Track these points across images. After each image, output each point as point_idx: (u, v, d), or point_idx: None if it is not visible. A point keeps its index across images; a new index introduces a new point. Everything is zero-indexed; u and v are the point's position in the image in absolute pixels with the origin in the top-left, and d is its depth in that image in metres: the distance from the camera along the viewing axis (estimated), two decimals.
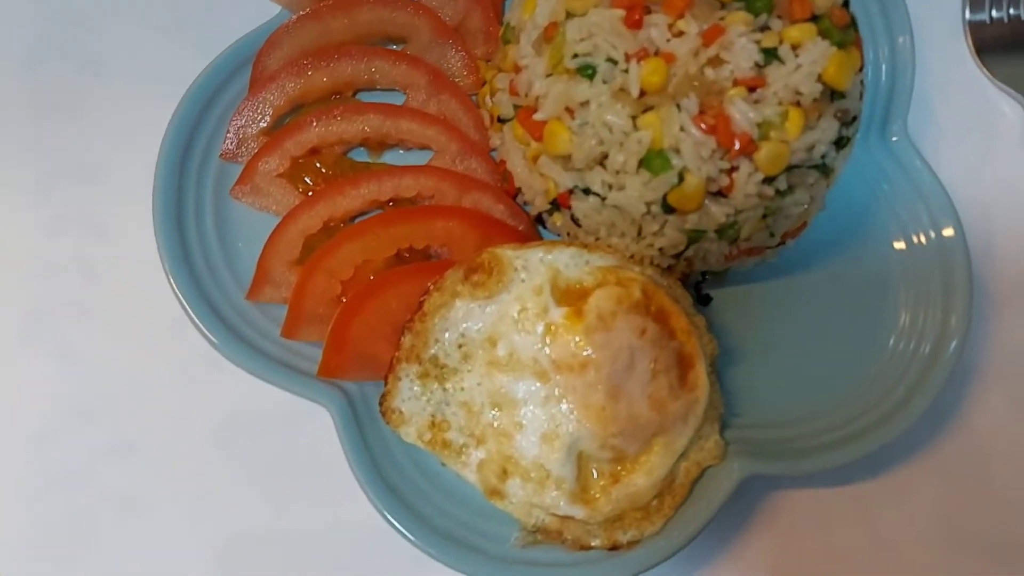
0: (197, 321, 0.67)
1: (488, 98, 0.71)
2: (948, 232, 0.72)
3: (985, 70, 0.81)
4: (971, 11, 0.81)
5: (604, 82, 0.61)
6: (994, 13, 0.81)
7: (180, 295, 0.67)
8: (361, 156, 0.73)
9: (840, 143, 0.65)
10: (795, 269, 0.74)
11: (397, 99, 0.73)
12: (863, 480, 0.74)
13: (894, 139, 0.74)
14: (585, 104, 0.61)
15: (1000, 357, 0.76)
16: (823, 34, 0.62)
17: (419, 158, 0.73)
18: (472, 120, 0.72)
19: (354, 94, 0.73)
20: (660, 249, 0.66)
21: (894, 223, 0.74)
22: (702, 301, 0.73)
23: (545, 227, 0.72)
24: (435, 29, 0.72)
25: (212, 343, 0.67)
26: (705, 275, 0.72)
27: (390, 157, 0.73)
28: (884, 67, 0.76)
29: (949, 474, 0.74)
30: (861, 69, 0.66)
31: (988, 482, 0.74)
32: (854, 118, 0.65)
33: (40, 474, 0.72)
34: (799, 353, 0.72)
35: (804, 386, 0.71)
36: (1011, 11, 0.81)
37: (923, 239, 0.73)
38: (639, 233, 0.65)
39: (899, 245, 0.73)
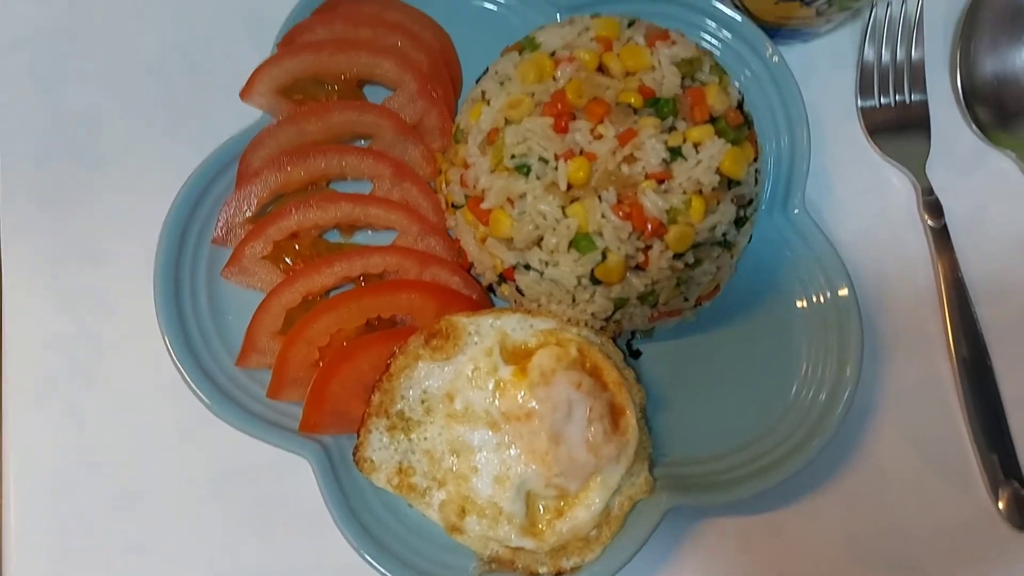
0: (192, 385, 0.76)
1: (444, 186, 0.82)
2: (843, 292, 0.83)
3: (876, 148, 0.93)
4: (862, 98, 0.94)
5: (538, 178, 0.72)
6: (882, 99, 0.93)
7: (177, 363, 0.77)
8: (335, 237, 0.84)
9: (739, 222, 0.77)
10: (713, 326, 0.85)
11: (365, 187, 0.84)
12: (778, 507, 0.84)
13: (795, 212, 0.86)
14: (523, 196, 0.73)
15: (894, 394, 0.87)
16: (720, 133, 0.74)
17: (385, 238, 0.83)
18: (431, 204, 0.83)
19: (328, 184, 0.84)
20: (592, 314, 0.77)
21: (797, 285, 0.85)
22: (633, 355, 0.84)
23: (496, 295, 0.83)
24: (397, 128, 0.84)
25: (206, 404, 0.76)
26: (634, 333, 0.83)
27: (360, 237, 0.84)
28: (785, 152, 0.88)
29: (852, 499, 0.85)
30: (756, 159, 0.78)
31: (886, 505, 0.85)
32: (750, 201, 0.77)
33: (56, 523, 0.80)
34: (717, 399, 0.82)
35: (722, 427, 0.81)
36: (896, 97, 0.93)
37: (821, 299, 0.83)
38: (573, 301, 0.76)
39: (801, 304, 0.84)
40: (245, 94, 0.83)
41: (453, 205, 0.80)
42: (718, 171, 0.73)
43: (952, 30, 0.96)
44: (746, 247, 0.84)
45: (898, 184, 0.93)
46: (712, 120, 0.74)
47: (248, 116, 0.84)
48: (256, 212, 0.81)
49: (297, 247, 0.81)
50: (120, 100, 0.90)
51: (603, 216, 0.71)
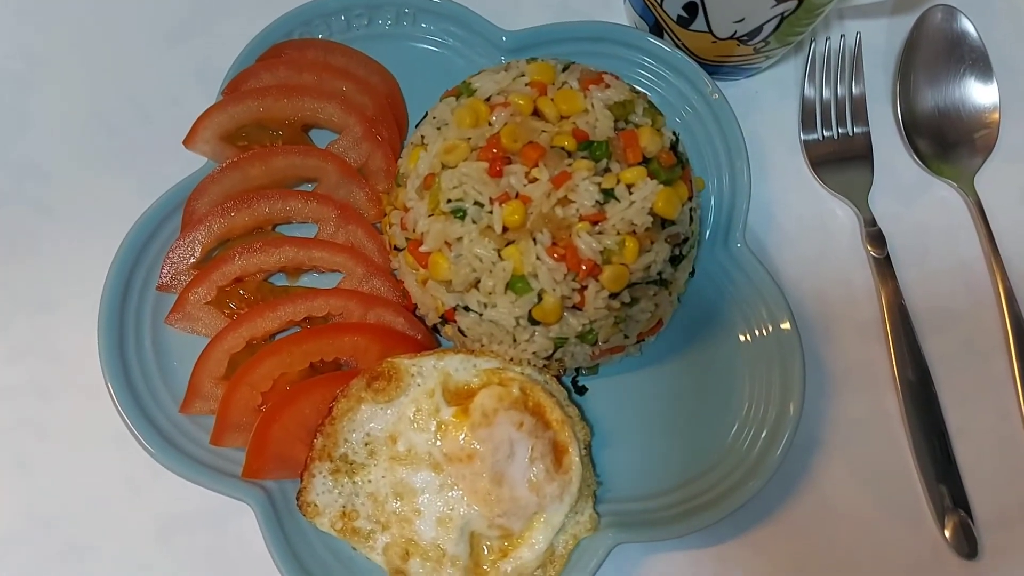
0: (136, 433, 0.77)
1: (388, 227, 0.83)
2: (785, 326, 0.83)
3: (820, 180, 0.94)
4: (805, 132, 0.95)
5: (473, 222, 0.73)
6: (824, 133, 0.95)
7: (121, 411, 0.77)
8: (281, 281, 0.84)
9: (675, 260, 0.78)
10: (658, 361, 0.86)
11: (312, 230, 0.85)
12: (728, 539, 0.84)
13: (737, 246, 0.87)
14: (459, 240, 0.74)
15: (841, 427, 0.88)
16: (652, 174, 0.75)
17: (331, 280, 0.84)
18: (376, 246, 0.84)
19: (274, 228, 0.85)
20: (533, 353, 0.78)
21: (739, 319, 0.85)
22: (578, 391, 0.85)
23: (440, 335, 0.84)
24: (342, 171, 0.85)
25: (150, 453, 0.76)
26: (579, 369, 0.84)
27: (306, 280, 0.85)
28: (726, 187, 0.89)
29: (802, 531, 0.85)
30: (691, 198, 0.79)
31: (835, 538, 0.85)
32: (686, 239, 0.78)
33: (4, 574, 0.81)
34: (662, 434, 0.83)
35: (667, 463, 0.82)
36: (839, 130, 0.95)
37: (764, 333, 0.84)
38: (514, 341, 0.77)
39: (744, 338, 0.85)
40: (189, 141, 0.84)
41: (395, 247, 0.81)
42: (651, 211, 0.74)
43: (893, 61, 0.98)
44: (688, 282, 0.85)
45: (842, 215, 0.94)
46: (645, 161, 0.76)
47: (197, 162, 0.85)
48: (201, 258, 0.82)
49: (242, 292, 0.81)
50: (70, 148, 0.91)
51: (538, 258, 0.72)
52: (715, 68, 0.94)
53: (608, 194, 0.73)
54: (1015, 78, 0.98)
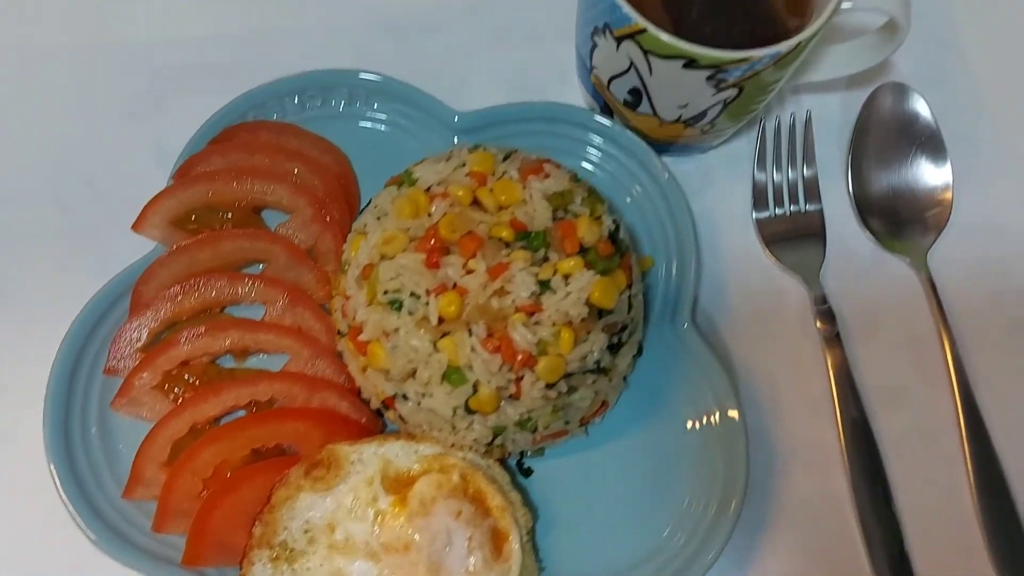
0: (78, 519, 0.77)
1: (334, 310, 0.84)
2: (732, 413, 0.83)
3: (772, 256, 0.95)
4: (757, 210, 0.95)
5: (409, 313, 0.74)
6: (777, 210, 0.95)
7: (64, 496, 0.77)
8: (229, 362, 0.85)
9: (614, 348, 0.78)
10: (605, 441, 0.85)
11: (260, 310, 0.86)
12: None
13: (684, 326, 0.87)
14: (396, 331, 0.74)
15: (788, 508, 0.87)
16: (589, 264, 0.75)
17: (279, 360, 0.85)
18: (323, 327, 0.85)
19: (222, 309, 0.86)
20: (474, 439, 0.78)
21: (687, 402, 0.85)
22: (524, 474, 0.85)
23: (385, 418, 0.84)
24: (290, 253, 0.86)
25: (91, 539, 0.77)
26: (524, 452, 0.84)
27: (254, 361, 0.85)
28: (675, 267, 0.89)
29: None
30: (630, 285, 0.79)
31: None
32: (624, 327, 0.79)
33: None
34: (607, 517, 0.82)
35: (611, 547, 0.81)
36: (791, 207, 0.95)
37: (710, 419, 0.84)
38: (453, 428, 0.77)
39: (690, 423, 0.85)
40: (137, 227, 0.85)
41: (339, 332, 0.82)
42: (587, 302, 0.74)
43: (847, 135, 0.99)
44: (635, 361, 0.86)
45: (794, 292, 0.94)
46: (583, 251, 0.76)
47: (150, 242, 0.86)
48: (148, 341, 0.83)
49: (187, 375, 0.82)
50: (22, 227, 0.92)
51: (473, 350, 0.73)
52: (666, 146, 0.95)
53: (544, 285, 0.74)
54: (969, 154, 0.98)
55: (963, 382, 0.90)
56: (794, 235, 0.95)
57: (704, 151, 0.98)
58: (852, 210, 0.96)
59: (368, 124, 0.94)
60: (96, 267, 0.86)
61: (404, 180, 0.80)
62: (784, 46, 0.77)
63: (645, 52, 0.79)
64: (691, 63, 0.77)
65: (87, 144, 0.95)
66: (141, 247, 0.86)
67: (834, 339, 0.91)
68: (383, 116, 0.94)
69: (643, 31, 0.76)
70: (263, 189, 0.87)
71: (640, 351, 0.86)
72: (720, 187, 0.98)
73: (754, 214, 0.95)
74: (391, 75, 0.96)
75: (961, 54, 1.04)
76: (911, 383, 0.92)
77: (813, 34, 0.78)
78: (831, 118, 1.01)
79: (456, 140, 0.93)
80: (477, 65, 1.01)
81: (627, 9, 0.76)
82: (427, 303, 0.73)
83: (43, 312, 0.88)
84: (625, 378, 0.85)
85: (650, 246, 0.92)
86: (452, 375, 0.73)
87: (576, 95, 0.99)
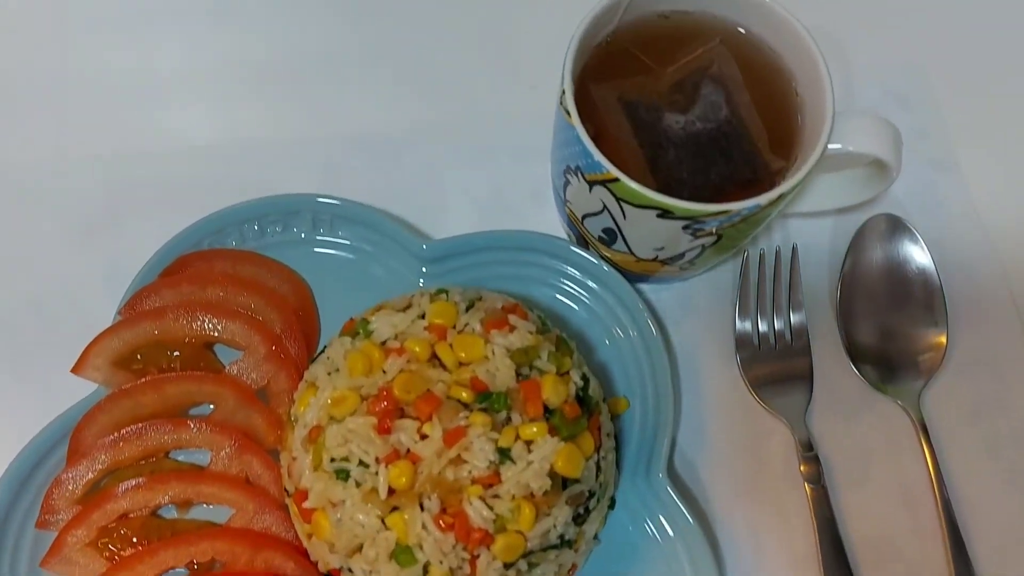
0: None
1: (283, 464, 0.79)
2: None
3: (755, 395, 0.89)
4: (740, 351, 0.89)
5: (357, 484, 0.69)
6: (760, 350, 0.89)
7: None
8: (170, 511, 0.80)
9: (579, 519, 0.73)
10: None
11: (206, 455, 0.81)
12: None
13: (659, 476, 0.82)
14: (342, 502, 0.69)
15: None
16: (553, 430, 0.70)
17: (225, 510, 0.80)
18: (272, 477, 0.79)
19: (167, 454, 0.81)
20: None
21: (660, 560, 0.80)
22: None
23: None
24: (239, 396, 0.81)
25: None
26: None
27: (198, 511, 0.80)
28: (651, 412, 0.84)
29: None
30: (599, 448, 0.74)
31: None
32: (591, 494, 0.73)
33: None
34: None
35: None
36: (776, 350, 0.89)
37: None
38: None
39: None
40: (78, 369, 0.80)
41: (286, 489, 0.76)
42: (551, 472, 0.69)
43: (836, 264, 0.94)
44: (608, 515, 0.80)
45: (778, 435, 0.88)
46: (547, 412, 0.71)
47: (84, 387, 0.81)
48: (84, 493, 0.77)
49: (124, 530, 0.77)
50: None
51: (424, 527, 0.67)
52: (644, 277, 0.90)
53: (504, 453, 0.69)
54: (964, 286, 0.94)
55: (954, 534, 0.84)
56: (780, 378, 0.89)
57: (686, 279, 0.94)
58: (841, 350, 0.91)
59: (332, 251, 0.89)
60: (41, 403, 0.81)
61: (359, 329, 0.75)
62: (764, 198, 0.72)
63: (618, 199, 0.74)
64: (666, 213, 0.73)
65: (38, 269, 0.90)
66: (85, 382, 0.81)
67: (820, 489, 0.85)
68: (348, 242, 0.89)
69: (615, 180, 0.72)
70: (215, 326, 0.82)
71: (612, 504, 0.81)
72: (702, 316, 0.93)
73: (737, 356, 0.90)
74: (360, 192, 0.92)
75: (958, 178, 1.00)
76: (902, 534, 0.86)
77: (795, 185, 0.73)
78: (820, 244, 0.96)
79: (424, 269, 0.88)
80: (449, 184, 0.96)
81: (599, 157, 0.72)
82: (376, 473, 0.68)
83: None
84: (597, 535, 0.79)
85: (625, 385, 0.87)
86: (401, 555, 0.68)
87: (552, 217, 0.95)
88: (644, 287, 0.92)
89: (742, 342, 0.90)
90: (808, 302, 0.91)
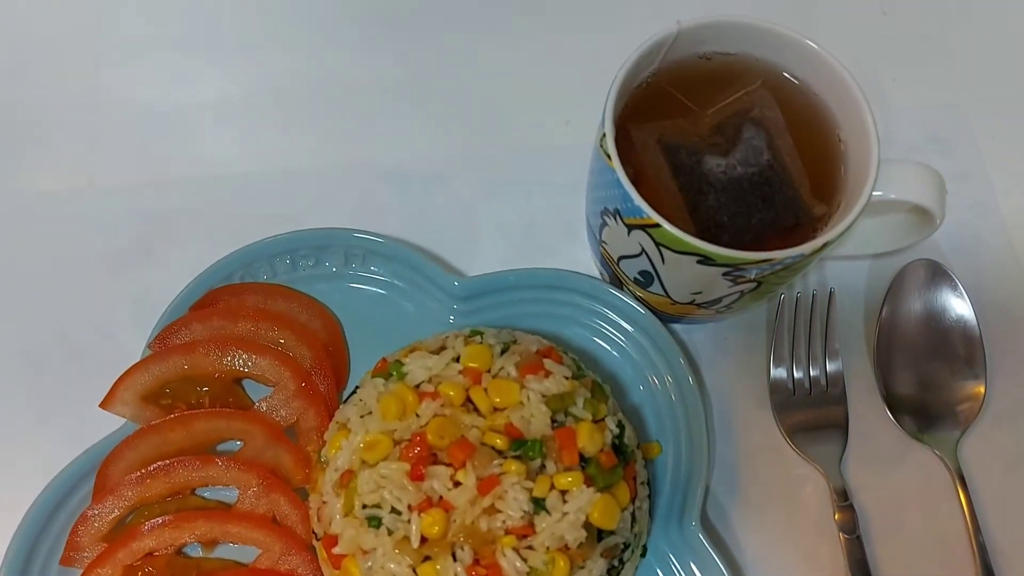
0: None
1: (312, 505, 0.78)
2: None
3: (789, 441, 0.87)
4: (774, 399, 0.87)
5: (389, 532, 0.67)
6: (795, 398, 0.87)
7: None
8: (195, 549, 0.79)
9: (613, 571, 0.71)
10: None
11: (234, 493, 0.79)
12: None
13: (692, 525, 0.80)
14: (373, 550, 0.68)
15: None
16: (589, 480, 0.69)
17: (251, 549, 0.78)
18: (299, 516, 0.78)
19: (193, 491, 0.80)
20: None
21: None
22: None
23: None
24: (268, 434, 0.79)
25: None
26: None
27: (223, 551, 0.79)
28: (684, 459, 0.82)
29: None
30: (634, 499, 0.73)
31: None
32: (625, 545, 0.72)
33: None
34: None
35: None
36: (811, 393, 0.87)
37: None
38: None
39: None
40: (106, 404, 0.79)
41: (314, 532, 0.75)
42: (586, 523, 0.68)
43: (873, 308, 0.92)
44: (639, 565, 0.79)
45: (812, 483, 0.87)
46: (582, 460, 0.70)
47: (112, 422, 0.80)
48: (110, 529, 0.76)
49: (150, 568, 0.76)
50: None
51: None
52: (677, 319, 0.89)
53: (539, 503, 0.67)
54: (1003, 339, 0.91)
55: None
56: (814, 425, 0.87)
57: (720, 320, 0.92)
58: (877, 398, 0.89)
59: (363, 286, 0.88)
60: (69, 433, 0.80)
61: (393, 371, 0.74)
62: (808, 247, 0.71)
63: (657, 244, 0.73)
64: (706, 260, 0.71)
65: (66, 301, 0.90)
66: (113, 416, 0.80)
67: (855, 540, 0.83)
68: (380, 278, 0.88)
69: (656, 225, 0.71)
70: (244, 361, 0.81)
71: (644, 552, 0.79)
72: (735, 357, 0.91)
73: (771, 401, 0.88)
74: (390, 226, 0.91)
75: (998, 221, 0.98)
76: None
77: (840, 234, 0.72)
78: (855, 287, 0.94)
79: (455, 306, 0.87)
80: (481, 218, 0.96)
81: (639, 202, 0.71)
82: (408, 521, 0.67)
83: (1, 490, 0.80)
84: None
85: (657, 428, 0.85)
86: None
87: (585, 255, 0.94)
88: (676, 327, 0.91)
89: (776, 387, 0.88)
90: (843, 347, 0.90)
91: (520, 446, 0.69)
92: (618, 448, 0.73)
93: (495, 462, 0.68)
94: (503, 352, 0.74)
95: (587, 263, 0.93)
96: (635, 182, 0.73)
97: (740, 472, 0.88)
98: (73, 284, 0.90)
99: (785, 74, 0.80)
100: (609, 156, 0.73)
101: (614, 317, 0.87)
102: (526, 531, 0.67)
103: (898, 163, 0.76)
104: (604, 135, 0.73)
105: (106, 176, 0.95)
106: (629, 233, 0.75)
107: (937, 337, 0.89)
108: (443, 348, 0.75)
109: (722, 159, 0.78)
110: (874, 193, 0.74)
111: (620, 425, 0.75)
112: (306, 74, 1.03)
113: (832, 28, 0.89)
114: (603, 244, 0.83)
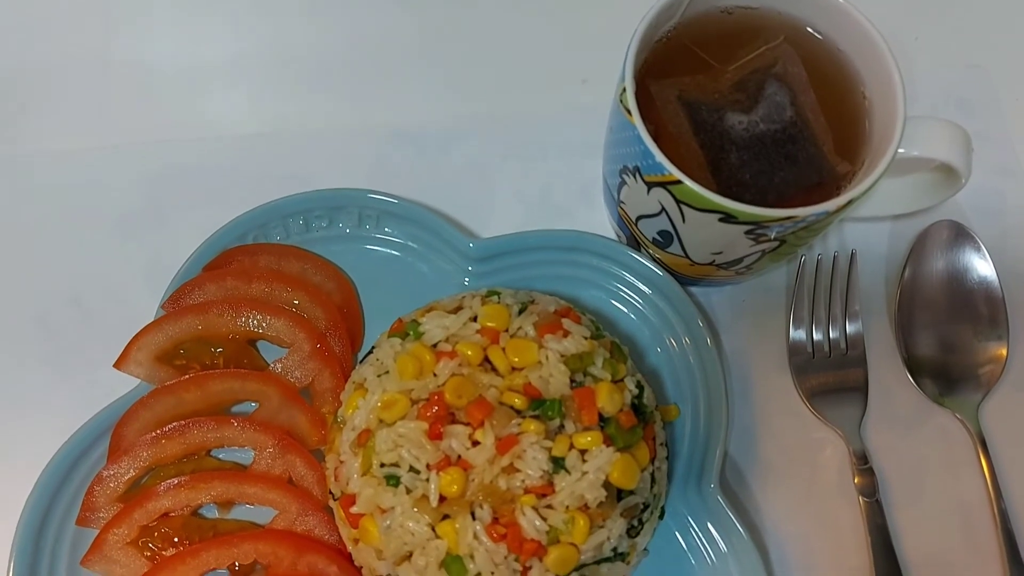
0: None
1: (328, 465, 0.77)
2: None
3: (808, 405, 0.86)
4: (793, 362, 0.86)
5: (407, 491, 0.67)
6: (814, 360, 0.86)
7: None
8: (211, 510, 0.79)
9: (632, 531, 0.70)
10: None
11: (249, 454, 0.79)
12: None
13: (711, 487, 0.79)
14: (392, 509, 0.67)
15: None
16: (608, 439, 0.68)
17: (266, 510, 0.78)
18: (316, 477, 0.78)
19: (209, 452, 0.79)
20: None
21: (710, 571, 0.78)
22: None
23: None
24: (284, 394, 0.79)
25: None
26: None
27: (239, 511, 0.79)
28: (702, 421, 0.82)
29: None
30: (653, 459, 0.72)
31: None
32: (646, 506, 0.71)
33: None
34: None
35: None
36: (830, 360, 0.87)
37: None
38: None
39: None
40: (120, 364, 0.78)
41: (331, 492, 0.75)
42: (605, 483, 0.67)
43: (894, 271, 0.91)
44: (657, 528, 0.78)
45: (831, 447, 0.86)
46: (602, 420, 0.69)
47: (126, 382, 0.80)
48: (125, 490, 0.76)
49: (165, 529, 0.75)
50: (3, 350, 0.86)
51: (476, 537, 0.65)
52: (696, 281, 0.88)
53: (558, 463, 0.67)
54: None
55: (1013, 550, 0.81)
56: (834, 388, 0.86)
57: (739, 282, 0.91)
58: (898, 361, 0.88)
59: (377, 247, 0.87)
60: (83, 397, 0.80)
61: (410, 331, 0.73)
62: (832, 204, 0.69)
63: (678, 202, 0.72)
64: (728, 218, 0.70)
65: (77, 266, 0.89)
66: (127, 377, 0.80)
67: (874, 503, 0.83)
68: (394, 239, 0.87)
69: (677, 182, 0.70)
70: (259, 322, 0.80)
71: (662, 514, 0.79)
72: (753, 320, 0.90)
73: (791, 367, 0.87)
74: (405, 187, 0.90)
75: (1021, 182, 0.96)
76: (958, 549, 0.84)
77: (864, 191, 0.70)
78: (877, 249, 0.93)
79: (470, 268, 0.86)
80: (497, 180, 0.94)
81: (660, 158, 0.69)
82: (427, 479, 0.66)
83: (17, 451, 0.80)
84: (646, 547, 0.77)
85: (675, 391, 0.84)
86: (452, 565, 0.66)
87: (601, 216, 0.92)
88: (694, 289, 0.90)
89: (795, 350, 0.87)
90: (863, 309, 0.89)
91: (539, 406, 0.68)
92: (637, 408, 0.72)
93: (514, 421, 0.68)
94: (521, 312, 0.73)
95: (603, 226, 0.92)
96: (655, 139, 0.71)
97: (758, 435, 0.87)
98: (85, 246, 0.90)
99: (808, 29, 0.79)
100: (629, 111, 0.71)
101: (631, 279, 0.86)
102: (545, 490, 0.66)
103: (924, 120, 0.75)
104: (624, 90, 0.72)
105: (118, 137, 0.94)
106: (649, 191, 0.74)
107: (959, 298, 0.87)
108: (460, 308, 0.74)
109: (744, 116, 0.76)
110: (899, 150, 0.73)
111: (639, 386, 0.74)
112: (321, 34, 1.01)
113: None
114: (621, 204, 0.82)
